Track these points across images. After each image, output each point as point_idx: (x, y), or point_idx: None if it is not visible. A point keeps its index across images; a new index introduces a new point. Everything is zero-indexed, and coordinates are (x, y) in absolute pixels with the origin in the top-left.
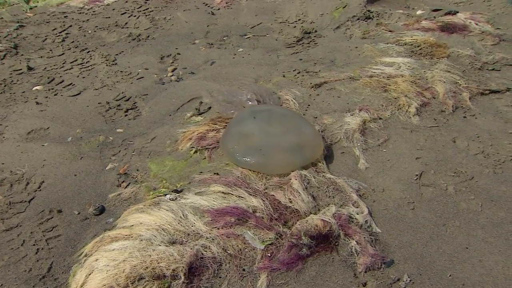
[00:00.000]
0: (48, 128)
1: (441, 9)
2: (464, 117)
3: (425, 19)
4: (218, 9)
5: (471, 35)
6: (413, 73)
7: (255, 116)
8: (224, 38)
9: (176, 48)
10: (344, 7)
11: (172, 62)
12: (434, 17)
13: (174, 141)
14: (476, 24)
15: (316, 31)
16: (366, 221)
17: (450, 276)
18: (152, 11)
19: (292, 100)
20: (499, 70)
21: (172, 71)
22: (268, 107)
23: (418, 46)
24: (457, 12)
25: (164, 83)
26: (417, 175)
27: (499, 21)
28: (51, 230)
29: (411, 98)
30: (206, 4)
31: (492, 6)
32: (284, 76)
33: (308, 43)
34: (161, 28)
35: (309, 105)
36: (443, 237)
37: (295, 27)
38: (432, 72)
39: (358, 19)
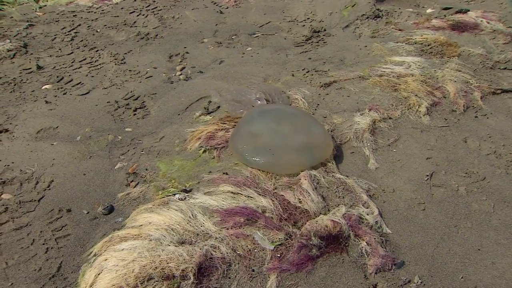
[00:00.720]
0: (57, 127)
1: (451, 8)
2: (476, 116)
3: (436, 17)
4: (227, 8)
5: (483, 34)
6: (424, 72)
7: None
8: (232, 37)
9: (185, 47)
10: (353, 6)
11: (180, 61)
12: (445, 16)
13: (183, 140)
14: (488, 23)
15: (325, 30)
16: (376, 221)
17: (462, 278)
18: (160, 10)
19: (301, 100)
20: (511, 69)
21: (181, 70)
22: (277, 107)
23: (428, 45)
24: (468, 11)
25: (172, 82)
26: (427, 175)
27: (511, 19)
28: (61, 230)
29: (422, 97)
30: (215, 3)
31: (504, 4)
32: (293, 75)
33: (317, 42)
34: (170, 27)
35: (318, 105)
36: (454, 239)
37: (304, 26)
38: (442, 71)
39: (368, 17)
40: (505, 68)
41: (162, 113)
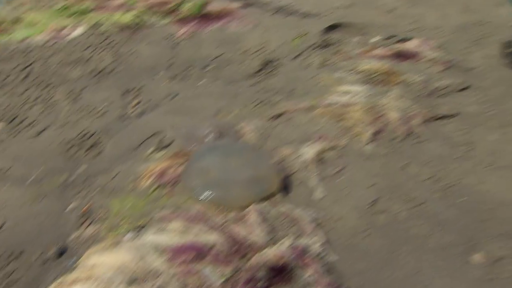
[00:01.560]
0: (9, 169)
1: (395, 36)
2: (416, 143)
3: (380, 46)
4: (181, 40)
5: (422, 62)
6: (368, 101)
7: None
8: (186, 71)
9: (140, 82)
10: (304, 35)
11: (135, 96)
12: (388, 45)
13: (136, 177)
14: (427, 51)
15: (277, 60)
16: (322, 250)
17: None
18: (116, 44)
19: (251, 133)
20: (448, 96)
21: (135, 105)
22: (226, 142)
23: (372, 74)
24: (410, 39)
25: (127, 118)
26: (371, 202)
27: (448, 46)
28: (11, 274)
29: (366, 126)
30: (169, 37)
31: (443, 32)
32: (244, 108)
33: (269, 73)
34: (125, 61)
35: (268, 136)
36: (395, 263)
37: (256, 57)
38: (386, 99)
39: (318, 47)
40: (442, 95)
41: (116, 150)
